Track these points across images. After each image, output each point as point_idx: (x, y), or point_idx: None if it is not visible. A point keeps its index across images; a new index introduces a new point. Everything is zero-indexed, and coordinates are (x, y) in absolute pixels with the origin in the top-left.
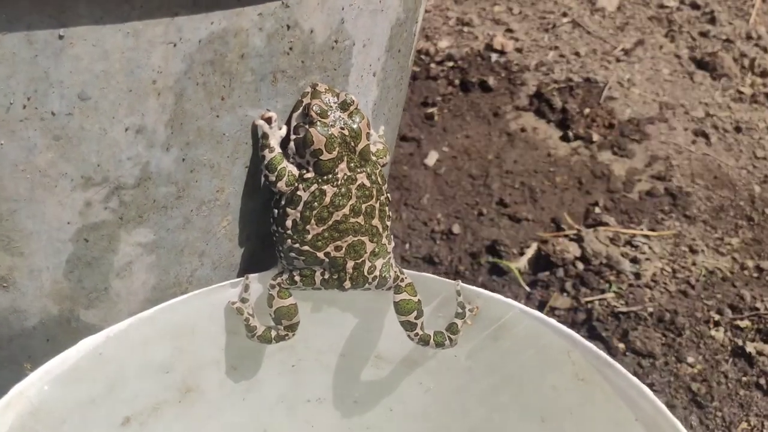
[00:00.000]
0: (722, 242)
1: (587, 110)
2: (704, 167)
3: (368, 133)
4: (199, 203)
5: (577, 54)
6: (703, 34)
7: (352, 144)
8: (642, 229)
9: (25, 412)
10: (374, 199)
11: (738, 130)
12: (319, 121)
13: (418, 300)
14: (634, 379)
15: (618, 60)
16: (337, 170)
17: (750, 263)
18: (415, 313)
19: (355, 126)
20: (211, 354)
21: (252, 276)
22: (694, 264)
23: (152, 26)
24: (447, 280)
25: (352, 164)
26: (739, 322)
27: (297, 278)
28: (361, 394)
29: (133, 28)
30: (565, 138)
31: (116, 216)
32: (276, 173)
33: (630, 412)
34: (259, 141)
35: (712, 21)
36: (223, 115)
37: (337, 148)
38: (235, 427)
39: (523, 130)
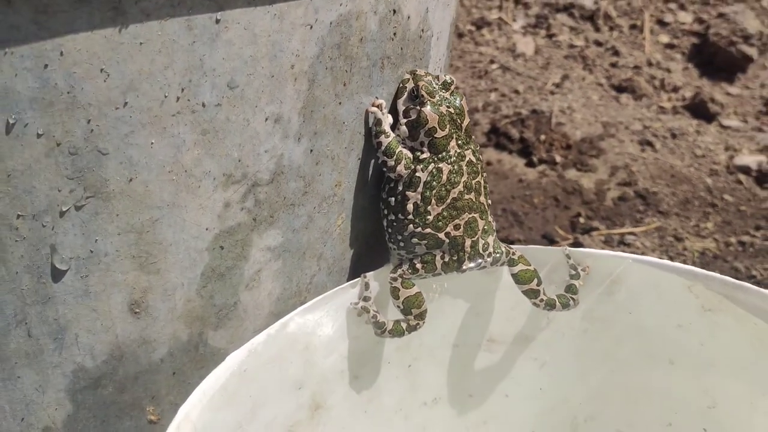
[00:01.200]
0: (699, 228)
1: (543, 136)
2: (660, 169)
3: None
4: (320, 199)
5: (516, 92)
6: (614, 65)
7: (459, 121)
8: (628, 228)
9: None
10: (479, 176)
11: (674, 136)
12: (430, 101)
13: (534, 268)
14: None
15: (552, 93)
16: (449, 148)
17: (732, 239)
18: (536, 281)
19: (458, 103)
20: (336, 364)
21: (369, 274)
22: (685, 249)
23: (294, 7)
24: (552, 247)
25: (460, 141)
26: None
27: (419, 266)
28: (475, 386)
29: (279, 10)
30: (530, 164)
31: (251, 217)
32: (395, 157)
33: None
34: (372, 129)
35: (617, 54)
36: (344, 102)
37: (448, 126)
38: None
39: (489, 163)
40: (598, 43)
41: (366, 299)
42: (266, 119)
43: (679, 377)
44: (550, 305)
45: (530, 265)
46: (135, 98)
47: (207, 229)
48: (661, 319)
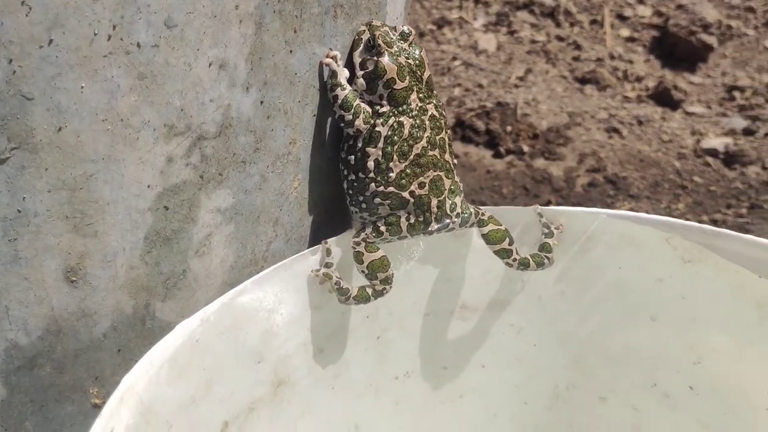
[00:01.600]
0: (671, 209)
1: (509, 127)
2: (628, 154)
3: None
4: (274, 158)
5: (480, 86)
6: (576, 59)
7: (419, 73)
8: None
9: (137, 412)
10: (443, 132)
11: (640, 123)
12: (388, 51)
13: (505, 228)
14: (752, 237)
15: (516, 86)
16: (410, 101)
17: (705, 218)
18: (507, 240)
19: (417, 54)
20: (299, 335)
21: (330, 240)
22: None
23: None
24: (523, 207)
25: (421, 94)
26: None
27: (382, 228)
28: (449, 357)
29: None
30: (497, 155)
31: (197, 174)
32: (352, 111)
33: (751, 273)
34: (327, 83)
35: (579, 48)
36: (296, 51)
37: (408, 77)
38: (328, 424)
39: (455, 156)
40: (560, 38)
41: (328, 266)
42: (210, 64)
43: (662, 334)
44: (524, 264)
45: (501, 225)
46: (61, 36)
47: (149, 186)
48: (640, 274)
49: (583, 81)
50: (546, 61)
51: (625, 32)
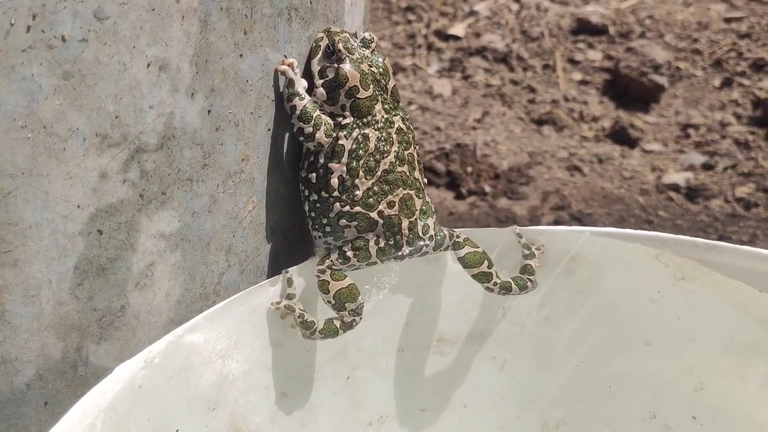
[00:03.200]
0: None
1: (469, 168)
2: (591, 192)
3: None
4: (225, 176)
5: (437, 128)
6: (531, 101)
7: (383, 82)
8: None
9: None
10: (412, 147)
11: (601, 161)
12: (349, 57)
13: (483, 251)
14: (751, 248)
15: (474, 128)
16: (374, 111)
17: None
18: (486, 263)
19: (380, 62)
20: (259, 378)
21: (291, 269)
22: None
23: None
24: (501, 229)
25: (386, 105)
26: None
27: (349, 253)
28: (427, 398)
29: None
30: (459, 196)
31: (136, 193)
32: (312, 123)
33: (750, 287)
34: (284, 93)
35: (533, 91)
36: (247, 55)
37: (371, 86)
38: None
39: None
40: (514, 82)
41: (290, 297)
42: (149, 65)
43: (659, 359)
44: (506, 288)
45: (478, 247)
46: None
47: (79, 206)
48: (630, 295)
49: (540, 122)
50: (502, 104)
51: (578, 76)
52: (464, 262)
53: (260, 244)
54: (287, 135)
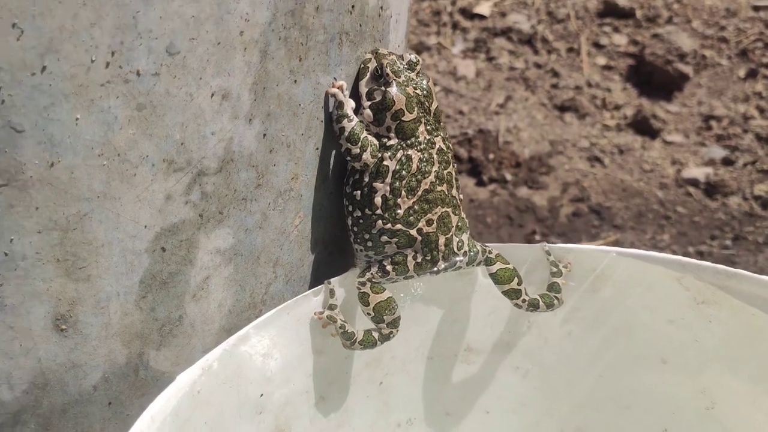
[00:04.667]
0: (656, 240)
1: (491, 155)
2: (611, 184)
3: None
4: (276, 194)
5: (461, 112)
6: (555, 86)
7: (427, 104)
8: (585, 244)
9: None
10: (450, 166)
11: (621, 152)
12: (396, 80)
13: (514, 267)
14: None
15: (497, 113)
16: (418, 133)
17: (690, 250)
18: (516, 280)
19: (424, 85)
20: (300, 383)
21: (333, 280)
22: None
23: None
24: (530, 245)
25: (429, 127)
26: None
27: (389, 267)
28: (453, 403)
29: None
30: (480, 183)
31: (196, 213)
32: (360, 144)
33: (767, 315)
34: (333, 114)
35: (557, 75)
36: (300, 80)
37: (416, 108)
38: None
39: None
40: (538, 66)
41: (332, 308)
42: (212, 95)
43: (674, 377)
44: (534, 305)
45: (509, 264)
46: (55, 62)
47: (146, 226)
48: (651, 315)
49: (562, 109)
50: (525, 88)
51: (602, 60)
52: (495, 278)
53: (304, 256)
54: (334, 152)
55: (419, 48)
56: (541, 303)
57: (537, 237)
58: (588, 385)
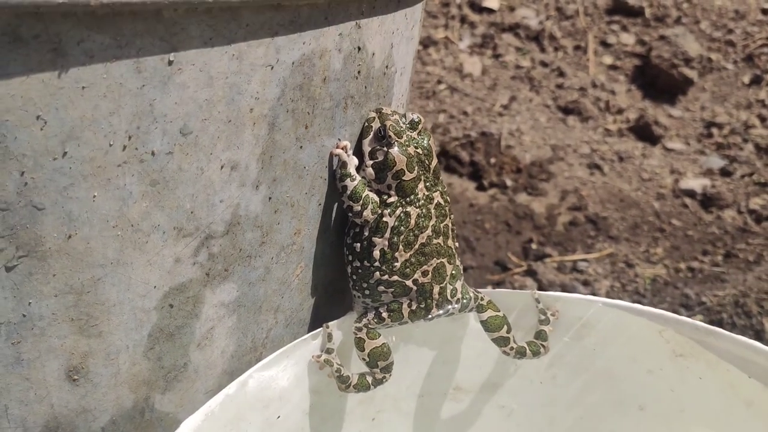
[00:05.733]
0: (649, 253)
1: (493, 159)
2: (609, 193)
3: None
4: (279, 249)
5: (464, 113)
6: (560, 86)
7: (427, 162)
8: (580, 255)
9: None
10: (447, 218)
11: (621, 159)
12: (398, 141)
13: (504, 315)
14: (744, 339)
15: (500, 114)
16: (417, 190)
17: (682, 265)
18: (505, 328)
19: (425, 144)
20: (297, 422)
21: (331, 324)
22: (636, 275)
23: (255, 47)
24: (521, 291)
25: (428, 183)
26: (695, 319)
27: (384, 315)
28: None
29: (238, 50)
30: (480, 188)
31: (203, 272)
32: (361, 202)
33: (741, 372)
34: (336, 173)
35: (562, 75)
36: (306, 146)
37: (416, 168)
38: None
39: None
40: (544, 64)
41: (329, 351)
42: (222, 167)
43: (650, 424)
44: (521, 353)
45: (499, 311)
46: (76, 148)
47: (155, 286)
48: (632, 364)
49: (566, 111)
50: (530, 89)
51: (608, 59)
52: (486, 325)
53: (304, 300)
54: (335, 206)
55: (426, 42)
56: (528, 351)
57: (534, 246)
58: (569, 427)
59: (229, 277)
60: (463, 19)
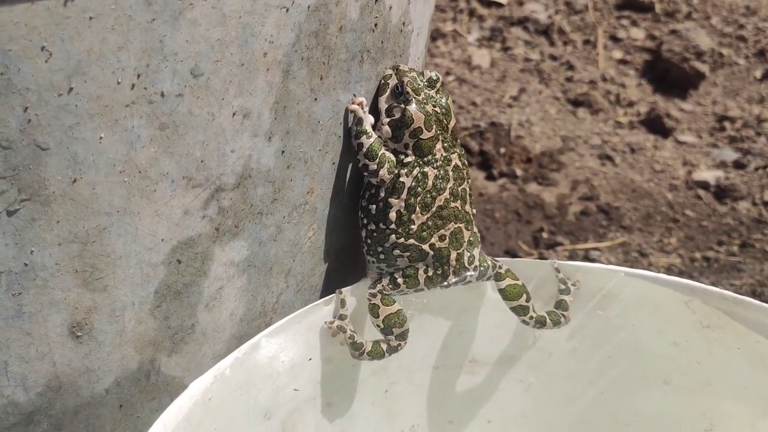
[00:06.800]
0: (663, 243)
1: (503, 149)
2: (621, 184)
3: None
4: (291, 208)
5: (474, 104)
6: (569, 80)
7: (445, 122)
8: (592, 244)
9: None
10: (465, 182)
11: (633, 151)
12: (415, 98)
13: (523, 283)
14: None
15: (510, 106)
16: (435, 150)
17: (697, 255)
18: (524, 297)
19: (444, 102)
20: (308, 390)
21: (345, 290)
22: (650, 264)
23: None
24: (540, 261)
25: (446, 144)
26: None
27: (400, 280)
28: (456, 412)
29: None
30: (490, 177)
31: (213, 227)
32: (377, 160)
33: None
34: (352, 130)
35: (572, 68)
36: (320, 98)
37: (434, 127)
38: None
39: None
40: (553, 57)
41: (342, 318)
42: (234, 114)
43: (675, 399)
44: (540, 323)
45: (518, 280)
46: (82, 84)
47: (163, 239)
48: (656, 336)
49: (575, 103)
50: (539, 81)
51: (618, 54)
52: (504, 294)
53: (316, 266)
54: (350, 166)
55: (434, 35)
56: (548, 320)
57: (544, 234)
58: (589, 402)
59: (239, 234)
60: (472, 13)
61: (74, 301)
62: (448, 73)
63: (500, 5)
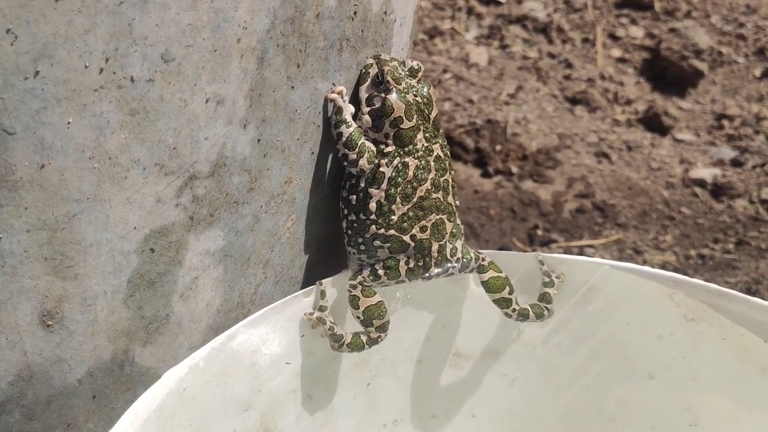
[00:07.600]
0: (658, 241)
1: (498, 147)
2: (616, 181)
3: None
4: (268, 197)
5: (470, 101)
6: (567, 78)
7: (426, 112)
8: (587, 241)
9: None
10: (447, 173)
11: (629, 148)
12: (396, 87)
13: (506, 276)
14: (760, 300)
15: (507, 103)
16: (416, 140)
17: (692, 252)
18: (507, 289)
19: (425, 92)
20: (287, 381)
21: (325, 281)
22: (645, 262)
23: None
24: (524, 253)
25: (428, 134)
26: None
27: (381, 272)
28: (439, 406)
29: None
30: (486, 174)
31: (187, 215)
32: (357, 150)
33: (756, 336)
34: (331, 119)
35: (570, 66)
36: (298, 87)
37: (415, 116)
38: None
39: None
40: (552, 56)
41: (322, 309)
42: (207, 101)
43: (659, 393)
44: (523, 315)
45: (501, 272)
46: (49, 67)
47: (135, 228)
48: (641, 330)
49: (573, 101)
50: (537, 79)
51: (617, 52)
52: (487, 286)
53: (296, 257)
54: (330, 157)
55: (432, 32)
56: (531, 313)
57: (539, 232)
58: (574, 396)
59: (214, 223)
60: (470, 11)
61: (44, 290)
62: (445, 71)
63: (499, 3)
